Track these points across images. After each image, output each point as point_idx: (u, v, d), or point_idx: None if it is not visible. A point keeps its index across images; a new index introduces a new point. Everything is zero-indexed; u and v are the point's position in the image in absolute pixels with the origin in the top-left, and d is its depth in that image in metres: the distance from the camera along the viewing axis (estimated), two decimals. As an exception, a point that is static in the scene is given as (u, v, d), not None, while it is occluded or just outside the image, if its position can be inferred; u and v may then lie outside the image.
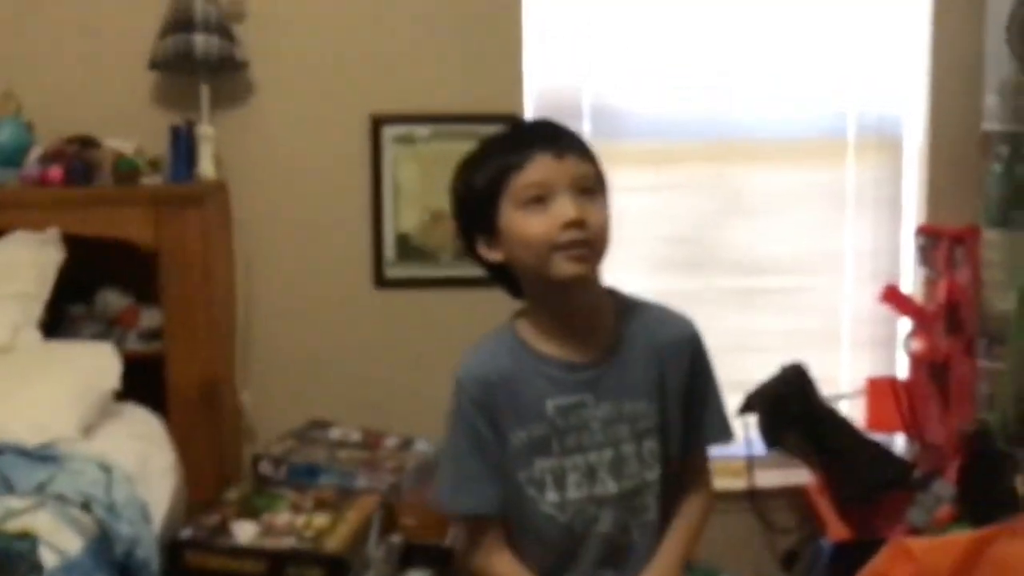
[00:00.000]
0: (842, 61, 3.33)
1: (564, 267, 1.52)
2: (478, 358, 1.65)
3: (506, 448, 1.61)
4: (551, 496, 1.60)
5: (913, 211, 3.38)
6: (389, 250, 3.22)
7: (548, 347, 1.62)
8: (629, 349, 1.61)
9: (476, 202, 1.58)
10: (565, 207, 1.50)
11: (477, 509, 1.66)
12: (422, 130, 3.17)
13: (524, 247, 1.54)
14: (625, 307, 1.66)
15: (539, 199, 1.52)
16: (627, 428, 1.61)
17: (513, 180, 1.53)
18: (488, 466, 1.63)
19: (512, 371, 1.61)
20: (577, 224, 1.51)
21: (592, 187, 1.55)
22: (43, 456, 2.12)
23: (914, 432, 3.24)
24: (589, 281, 1.57)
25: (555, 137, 1.56)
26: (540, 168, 1.52)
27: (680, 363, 1.65)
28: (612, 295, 1.68)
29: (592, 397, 1.60)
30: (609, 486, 1.60)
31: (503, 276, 1.64)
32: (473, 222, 1.61)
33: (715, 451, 3.25)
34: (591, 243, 1.53)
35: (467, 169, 1.62)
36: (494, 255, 1.60)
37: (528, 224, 1.52)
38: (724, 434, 1.75)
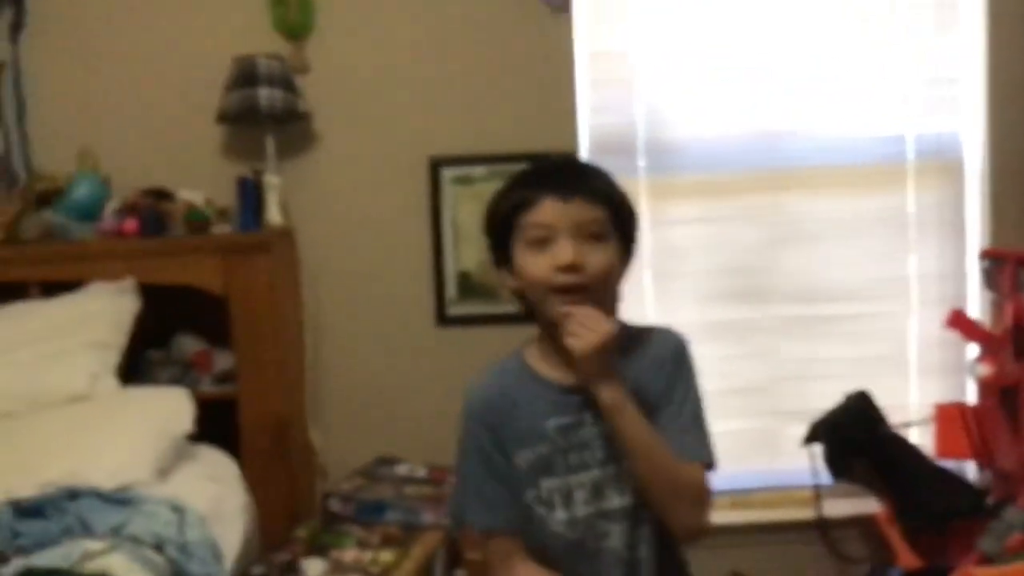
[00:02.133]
0: (898, 84, 3.32)
1: (558, 308, 1.58)
2: (484, 380, 1.72)
3: (513, 468, 1.66)
4: (560, 515, 1.64)
5: (976, 234, 3.34)
6: (451, 288, 3.30)
7: (550, 371, 1.67)
8: (624, 368, 1.65)
9: (495, 233, 1.66)
10: (563, 251, 1.56)
11: (496, 525, 1.68)
12: (479, 170, 3.25)
13: (527, 284, 1.62)
14: (623, 332, 1.67)
15: (543, 240, 1.57)
16: None
17: (523, 218, 1.59)
18: (500, 483, 1.67)
19: (515, 393, 1.67)
20: (572, 268, 1.56)
21: (599, 232, 1.59)
22: (119, 499, 2.22)
23: (984, 459, 3.18)
24: None
25: (566, 179, 1.60)
26: (546, 210, 1.58)
27: (663, 373, 1.65)
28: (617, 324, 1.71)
29: (591, 416, 1.63)
30: (615, 501, 1.63)
31: (524, 300, 1.69)
32: (495, 250, 1.68)
33: (782, 480, 3.31)
34: (587, 287, 1.58)
35: (492, 201, 1.69)
36: (511, 282, 1.66)
37: (530, 263, 1.59)
38: (689, 453, 1.62)
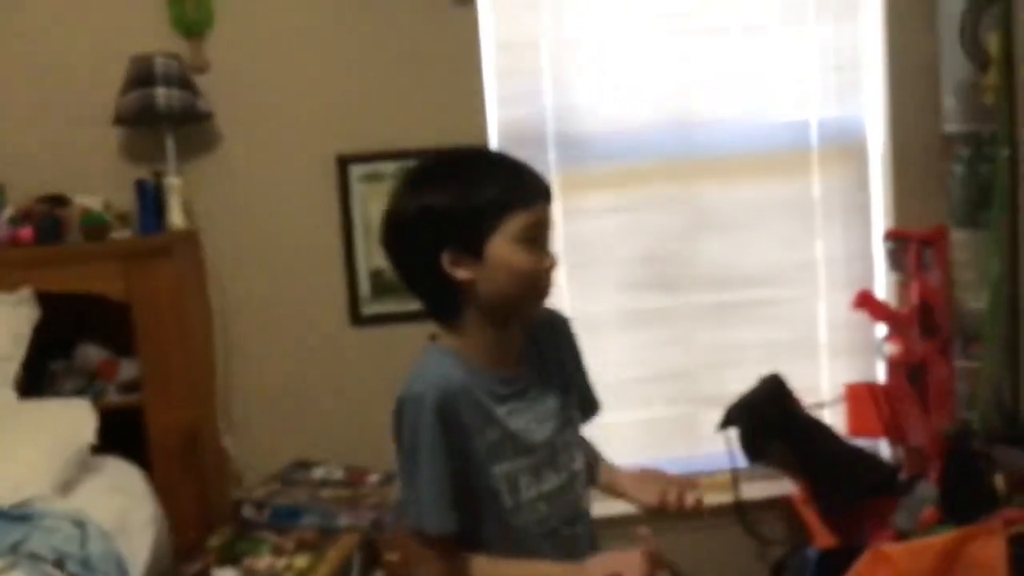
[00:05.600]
0: (800, 72, 3.36)
1: (535, 304, 1.69)
2: (432, 374, 1.63)
3: (470, 457, 1.63)
4: (507, 501, 1.65)
5: (881, 216, 3.41)
6: (364, 287, 3.25)
7: (489, 364, 1.68)
8: (534, 352, 1.75)
9: (467, 219, 1.59)
10: (551, 255, 1.65)
11: (454, 527, 1.62)
12: (388, 167, 3.21)
13: (511, 277, 1.61)
14: None
15: (535, 239, 1.62)
16: (556, 422, 1.72)
17: (518, 215, 1.59)
18: (452, 482, 1.61)
19: (465, 382, 1.64)
20: (553, 270, 1.66)
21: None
22: (17, 516, 2.15)
23: (895, 436, 3.25)
24: None
25: (543, 181, 1.67)
26: (544, 213, 1.64)
27: (562, 343, 1.81)
28: None
29: (529, 401, 1.71)
30: (553, 481, 1.70)
31: (446, 294, 1.64)
32: (450, 236, 1.60)
33: (700, 466, 3.34)
34: None
35: (460, 184, 1.62)
36: (460, 272, 1.61)
37: (521, 259, 1.61)
38: (595, 408, 1.88)
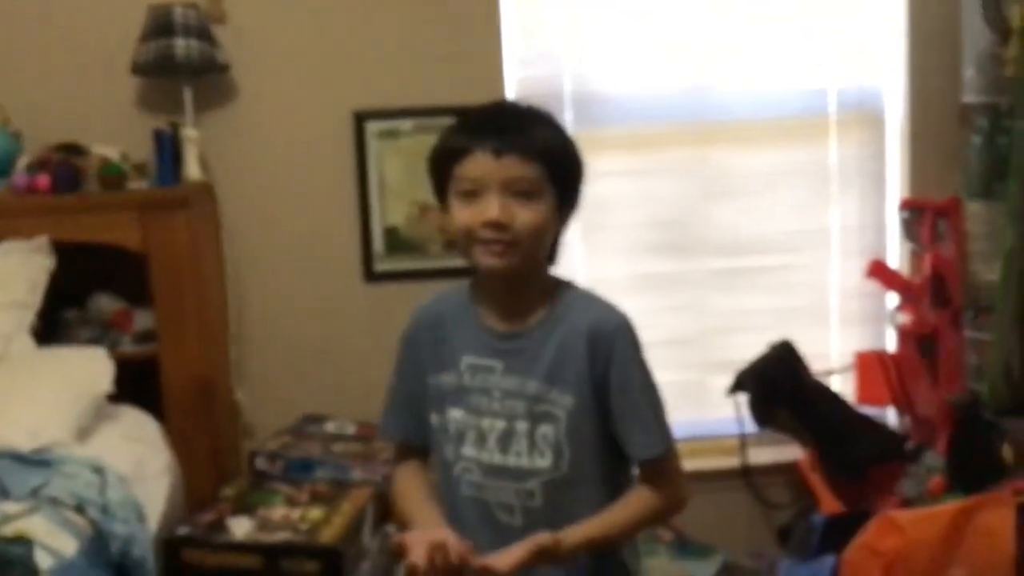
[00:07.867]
0: (820, 39, 3.34)
1: (481, 259, 1.59)
2: (427, 303, 1.76)
3: (427, 387, 1.70)
4: (450, 447, 1.68)
5: (896, 185, 3.40)
6: (378, 244, 3.26)
7: (481, 309, 1.69)
8: (549, 332, 1.63)
9: (433, 174, 1.64)
10: (489, 207, 1.55)
11: (396, 435, 1.79)
12: (405, 124, 3.20)
13: (457, 232, 1.60)
14: (560, 293, 1.68)
15: (472, 192, 1.56)
16: (524, 406, 1.62)
17: (455, 168, 1.57)
18: (406, 397, 1.74)
19: (448, 317, 1.70)
20: (496, 225, 1.55)
21: (530, 189, 1.56)
22: (37, 461, 2.17)
23: (904, 405, 3.27)
24: (512, 273, 1.60)
25: (502, 132, 1.56)
26: (477, 164, 1.55)
27: (598, 354, 1.61)
28: (555, 282, 1.70)
29: (502, 366, 1.64)
30: (495, 457, 1.64)
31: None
32: (436, 192, 1.66)
33: (708, 430, 3.36)
34: (513, 243, 1.56)
35: (435, 143, 1.66)
36: (448, 224, 1.65)
37: (458, 213, 1.58)
38: (650, 449, 1.64)
